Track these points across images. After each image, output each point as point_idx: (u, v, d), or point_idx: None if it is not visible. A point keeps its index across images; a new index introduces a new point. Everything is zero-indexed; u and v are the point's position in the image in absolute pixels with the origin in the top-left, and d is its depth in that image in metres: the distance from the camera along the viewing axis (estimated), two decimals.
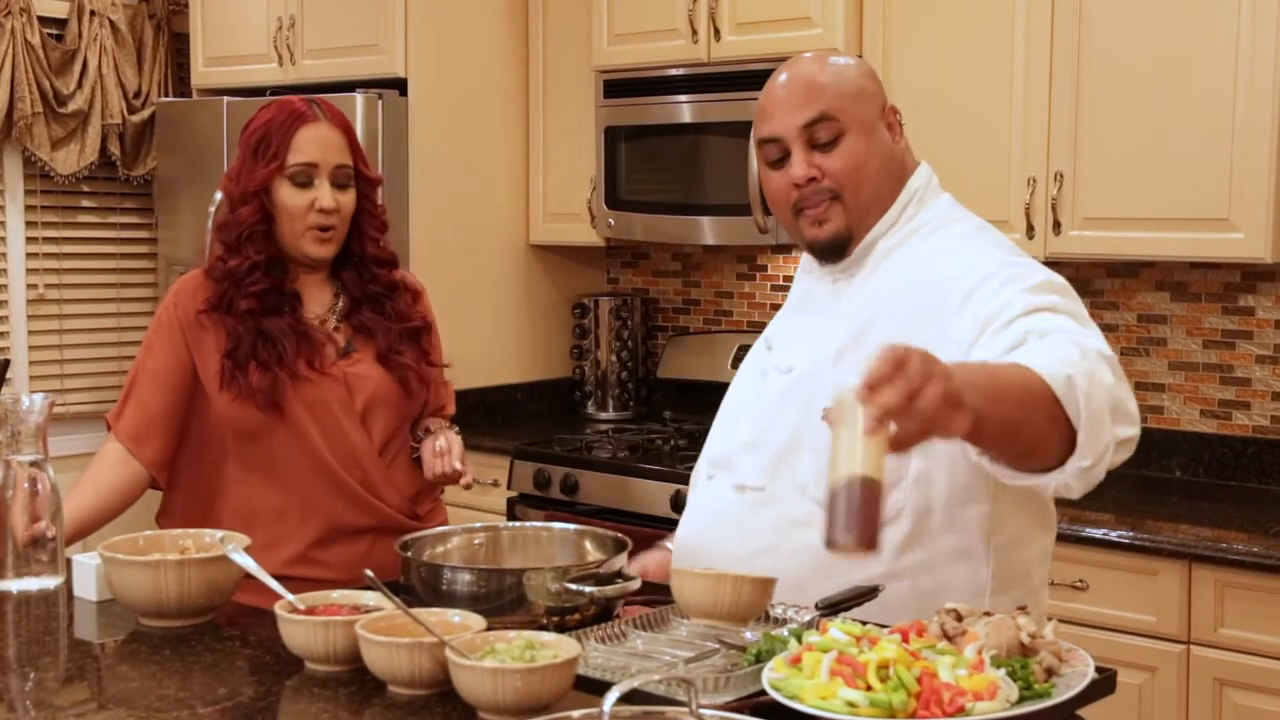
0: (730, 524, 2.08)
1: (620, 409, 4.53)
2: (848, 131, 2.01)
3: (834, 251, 2.08)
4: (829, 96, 2.01)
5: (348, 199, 2.44)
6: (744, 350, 4.37)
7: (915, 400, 1.44)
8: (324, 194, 2.40)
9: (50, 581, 2.18)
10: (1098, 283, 3.64)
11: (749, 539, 2.04)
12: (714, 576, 1.89)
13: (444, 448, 2.44)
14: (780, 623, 1.90)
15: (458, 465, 2.42)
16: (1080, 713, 1.66)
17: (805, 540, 1.93)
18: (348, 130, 2.46)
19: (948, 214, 2.09)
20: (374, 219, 2.51)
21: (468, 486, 2.45)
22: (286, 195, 2.40)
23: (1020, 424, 1.66)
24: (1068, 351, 1.72)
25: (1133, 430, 1.77)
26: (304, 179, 2.40)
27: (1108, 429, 1.70)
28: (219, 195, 4.31)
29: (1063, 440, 1.70)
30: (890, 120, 2.07)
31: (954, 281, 1.94)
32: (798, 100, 2.02)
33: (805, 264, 2.18)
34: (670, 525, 3.53)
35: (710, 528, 2.13)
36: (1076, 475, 1.72)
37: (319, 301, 2.49)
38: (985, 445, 1.71)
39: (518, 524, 2.35)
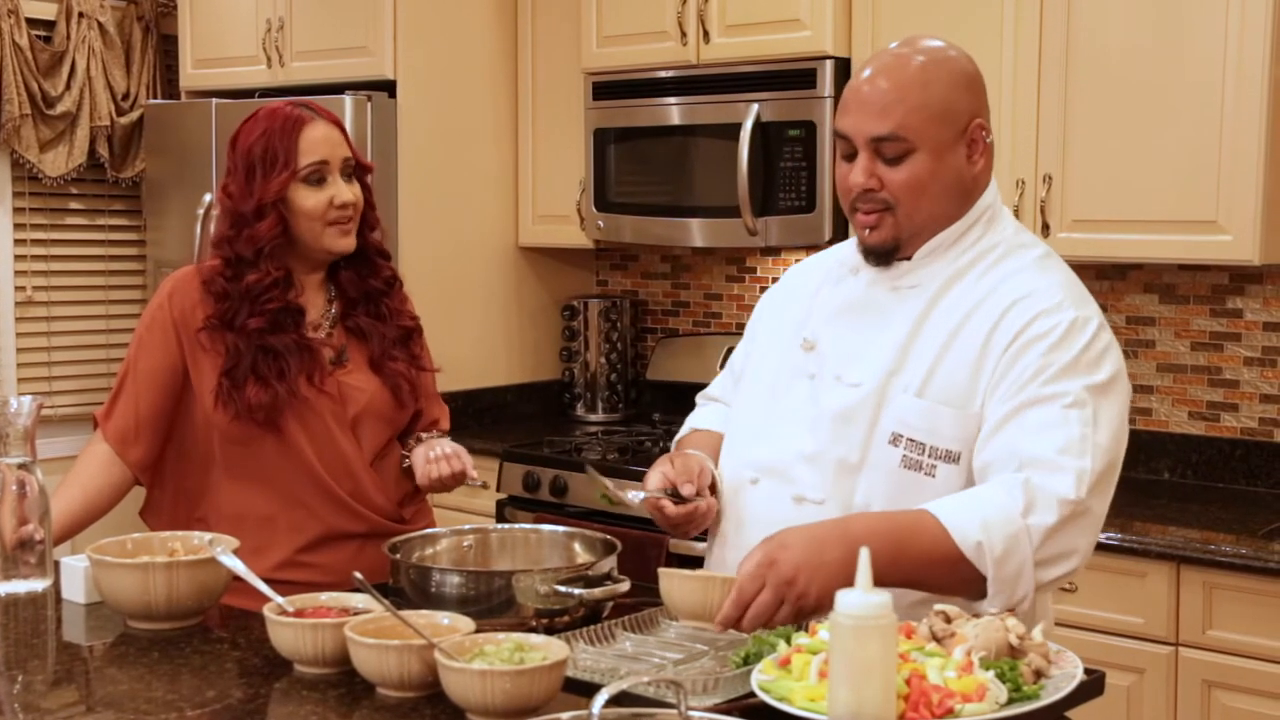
0: None
1: (610, 411, 4.53)
2: (917, 150, 1.95)
3: (880, 256, 2.04)
4: (905, 112, 1.94)
5: (357, 190, 2.44)
6: (733, 352, 4.38)
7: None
8: (340, 189, 2.39)
9: (38, 584, 2.18)
10: (1086, 285, 3.63)
11: None
12: (703, 579, 1.89)
13: (438, 455, 2.43)
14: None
15: (471, 470, 2.42)
16: (1069, 714, 1.67)
17: None
18: (340, 125, 2.46)
19: (1013, 238, 2.07)
20: (373, 209, 2.51)
21: (485, 485, 2.45)
22: (303, 197, 2.38)
23: (919, 581, 1.83)
24: (1006, 505, 1.82)
25: (1066, 567, 1.87)
26: (317, 177, 2.38)
27: (1024, 583, 1.83)
28: (208, 197, 4.35)
29: (979, 582, 1.83)
30: (975, 137, 1.99)
31: (1013, 319, 1.98)
32: (873, 109, 1.95)
33: (853, 261, 2.11)
34: (659, 527, 3.55)
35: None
36: (992, 604, 1.83)
37: (315, 306, 2.47)
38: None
39: (507, 526, 2.35)
